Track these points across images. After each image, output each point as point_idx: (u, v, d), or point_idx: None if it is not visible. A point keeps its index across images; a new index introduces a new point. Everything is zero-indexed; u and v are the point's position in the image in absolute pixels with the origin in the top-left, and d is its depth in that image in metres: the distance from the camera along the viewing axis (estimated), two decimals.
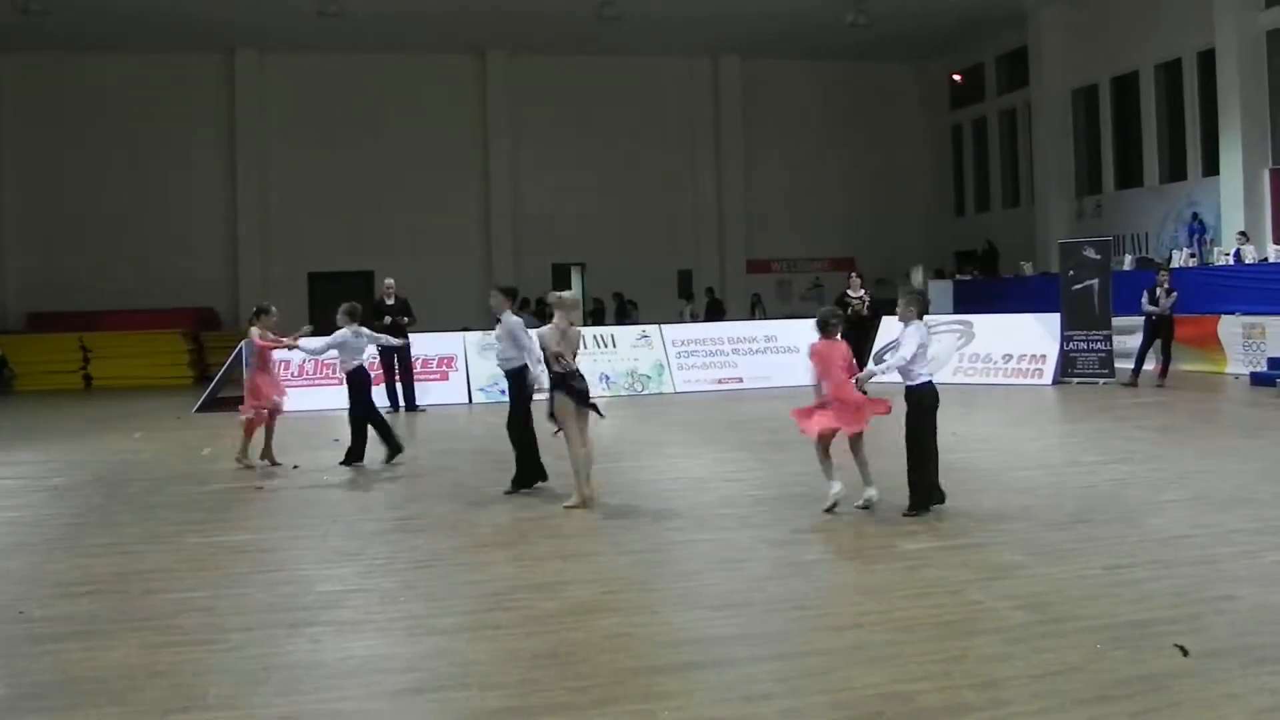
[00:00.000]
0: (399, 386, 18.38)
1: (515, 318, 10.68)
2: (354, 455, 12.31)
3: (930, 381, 8.95)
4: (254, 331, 12.55)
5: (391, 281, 19.03)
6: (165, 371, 25.52)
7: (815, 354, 9.12)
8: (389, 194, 30.47)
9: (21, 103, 28.96)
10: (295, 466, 12.09)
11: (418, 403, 18.38)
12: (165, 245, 29.11)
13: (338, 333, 12.30)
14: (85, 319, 26.54)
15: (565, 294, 10.14)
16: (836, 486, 8.96)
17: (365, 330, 12.67)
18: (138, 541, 8.71)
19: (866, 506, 8.93)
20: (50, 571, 7.74)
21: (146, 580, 7.42)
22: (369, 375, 12.93)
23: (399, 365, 18.33)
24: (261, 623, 6.39)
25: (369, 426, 12.38)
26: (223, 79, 30.00)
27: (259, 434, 12.46)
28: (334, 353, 12.66)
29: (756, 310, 30.38)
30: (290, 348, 13.09)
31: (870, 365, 9.33)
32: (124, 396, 22.57)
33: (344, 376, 12.60)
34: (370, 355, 13.54)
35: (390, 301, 18.64)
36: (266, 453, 12.43)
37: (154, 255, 28.92)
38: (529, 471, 10.47)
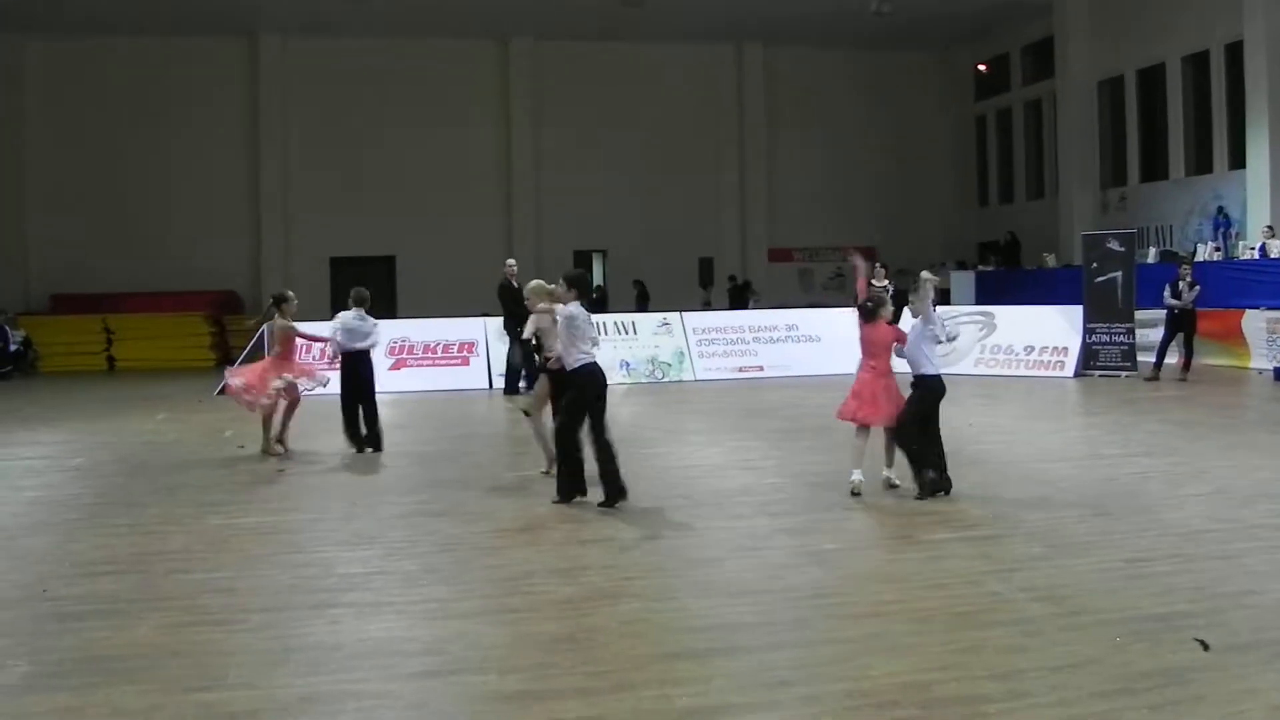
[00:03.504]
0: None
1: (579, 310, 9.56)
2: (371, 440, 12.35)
3: (939, 374, 9.09)
4: (297, 325, 12.49)
5: (513, 262, 18.57)
6: (188, 354, 25.66)
7: (860, 338, 9.40)
8: (411, 179, 30.51)
9: (46, 86, 29.07)
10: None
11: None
12: (188, 228, 29.23)
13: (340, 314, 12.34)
14: (108, 301, 26.71)
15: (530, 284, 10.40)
16: (857, 475, 9.10)
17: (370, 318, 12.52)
18: (159, 522, 8.77)
19: (893, 485, 9.24)
20: (73, 551, 7.80)
21: (168, 560, 7.46)
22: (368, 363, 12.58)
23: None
24: (282, 604, 6.43)
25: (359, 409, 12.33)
26: (246, 63, 30.07)
27: (275, 418, 12.44)
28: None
29: (750, 298, 29.98)
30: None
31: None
32: (146, 378, 22.69)
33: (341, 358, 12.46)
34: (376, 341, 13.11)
35: (516, 284, 18.18)
36: (280, 436, 12.38)
37: (177, 238, 29.05)
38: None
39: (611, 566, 7.17)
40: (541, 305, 9.91)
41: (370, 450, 12.14)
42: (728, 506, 9.02)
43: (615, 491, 8.97)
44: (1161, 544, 7.44)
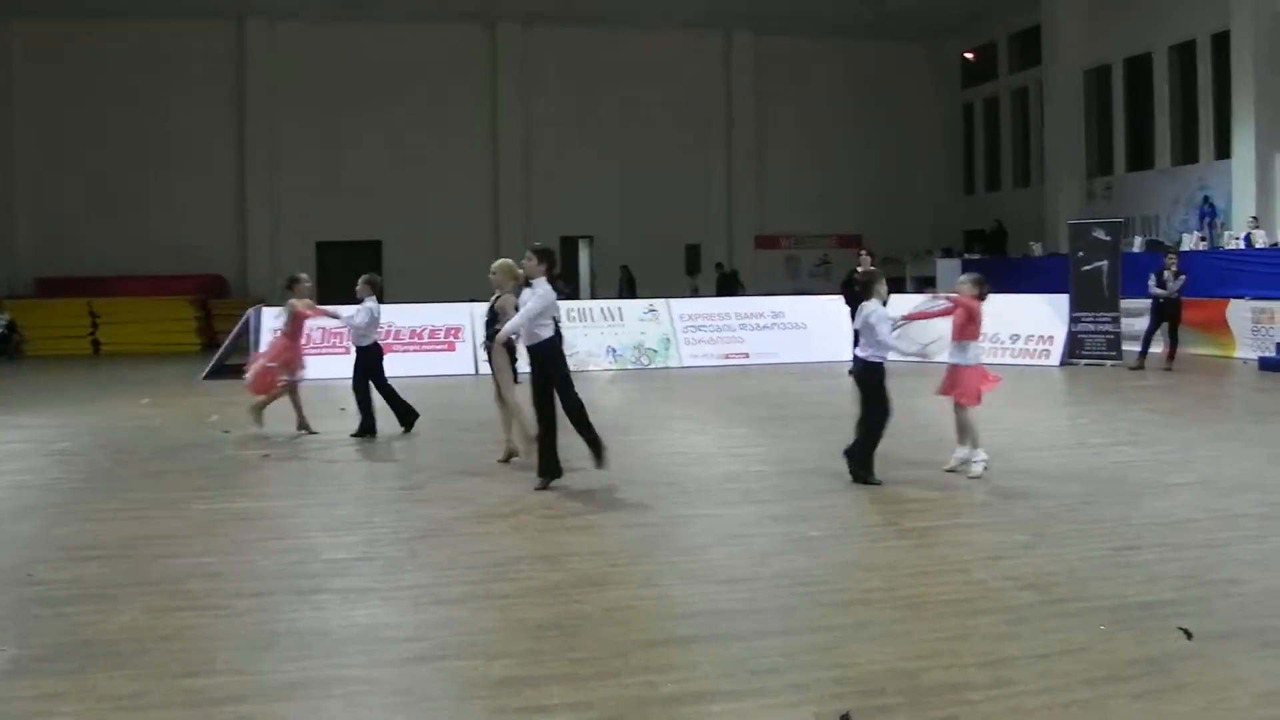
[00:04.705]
0: None
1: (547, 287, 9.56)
2: (365, 429, 12.33)
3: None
4: (295, 302, 12.52)
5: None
6: (173, 338, 25.59)
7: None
8: (398, 164, 30.38)
9: (31, 69, 28.85)
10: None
11: None
12: (175, 212, 29.08)
13: (368, 302, 12.34)
14: (94, 285, 26.58)
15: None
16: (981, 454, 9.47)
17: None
18: (145, 507, 8.74)
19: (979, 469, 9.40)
20: (58, 535, 7.77)
21: (154, 545, 7.44)
22: (380, 349, 12.85)
23: None
24: (269, 589, 6.42)
25: (380, 398, 12.50)
26: (233, 47, 29.88)
27: (279, 403, 12.48)
28: (363, 319, 12.49)
29: (738, 286, 29.90)
30: (333, 316, 13.28)
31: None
32: (132, 362, 22.61)
33: (356, 349, 12.65)
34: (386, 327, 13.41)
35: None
36: (302, 423, 12.43)
37: (163, 222, 28.90)
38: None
39: (598, 553, 7.17)
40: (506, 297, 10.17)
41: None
42: (714, 494, 9.04)
43: (549, 468, 9.24)
44: (1147, 533, 7.47)
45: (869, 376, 9.27)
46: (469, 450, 11.25)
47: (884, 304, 9.45)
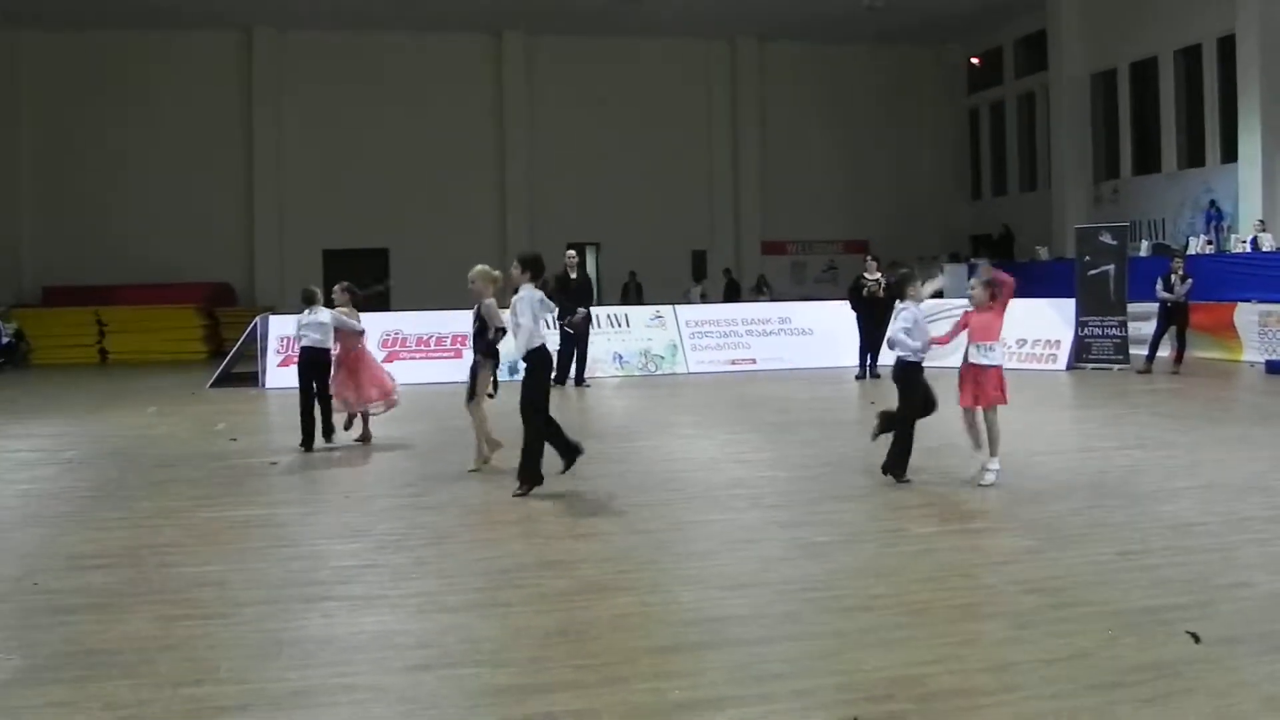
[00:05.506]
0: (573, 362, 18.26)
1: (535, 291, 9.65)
2: (320, 434, 12.11)
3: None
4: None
5: (573, 253, 18.60)
6: (180, 346, 25.66)
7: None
8: (405, 171, 30.51)
9: (39, 79, 29.00)
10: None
11: (585, 378, 18.40)
12: (182, 220, 29.20)
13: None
14: (101, 293, 26.67)
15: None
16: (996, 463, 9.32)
17: (326, 311, 12.08)
18: (151, 515, 8.74)
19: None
20: (64, 544, 7.77)
21: (160, 554, 7.44)
22: (320, 359, 12.09)
23: (576, 341, 17.98)
24: (274, 597, 6.41)
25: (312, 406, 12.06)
26: (241, 55, 30.05)
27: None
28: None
29: (762, 289, 29.97)
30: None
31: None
32: (139, 371, 22.65)
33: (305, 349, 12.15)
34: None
35: (574, 275, 18.24)
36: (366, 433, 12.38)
37: (170, 230, 29.02)
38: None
39: (604, 560, 7.15)
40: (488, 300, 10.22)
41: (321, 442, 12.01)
42: (720, 499, 9.01)
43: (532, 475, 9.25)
44: (1154, 537, 7.44)
45: (903, 375, 9.45)
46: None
47: (918, 303, 9.47)
